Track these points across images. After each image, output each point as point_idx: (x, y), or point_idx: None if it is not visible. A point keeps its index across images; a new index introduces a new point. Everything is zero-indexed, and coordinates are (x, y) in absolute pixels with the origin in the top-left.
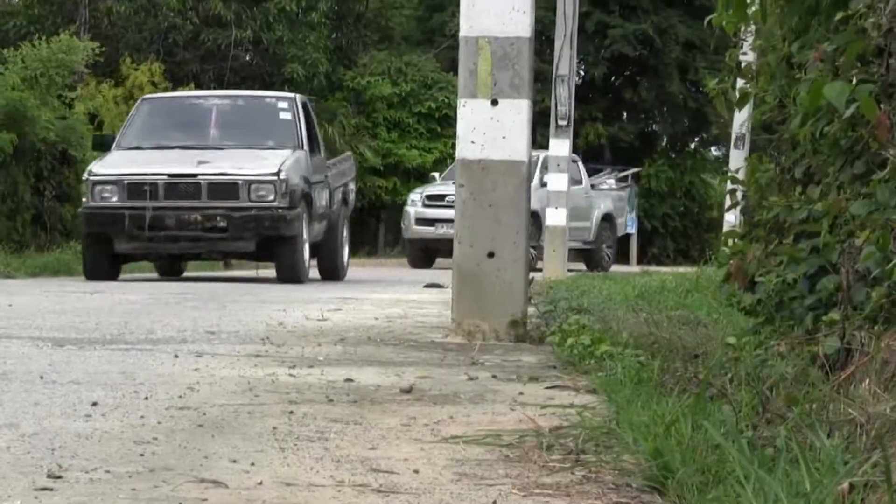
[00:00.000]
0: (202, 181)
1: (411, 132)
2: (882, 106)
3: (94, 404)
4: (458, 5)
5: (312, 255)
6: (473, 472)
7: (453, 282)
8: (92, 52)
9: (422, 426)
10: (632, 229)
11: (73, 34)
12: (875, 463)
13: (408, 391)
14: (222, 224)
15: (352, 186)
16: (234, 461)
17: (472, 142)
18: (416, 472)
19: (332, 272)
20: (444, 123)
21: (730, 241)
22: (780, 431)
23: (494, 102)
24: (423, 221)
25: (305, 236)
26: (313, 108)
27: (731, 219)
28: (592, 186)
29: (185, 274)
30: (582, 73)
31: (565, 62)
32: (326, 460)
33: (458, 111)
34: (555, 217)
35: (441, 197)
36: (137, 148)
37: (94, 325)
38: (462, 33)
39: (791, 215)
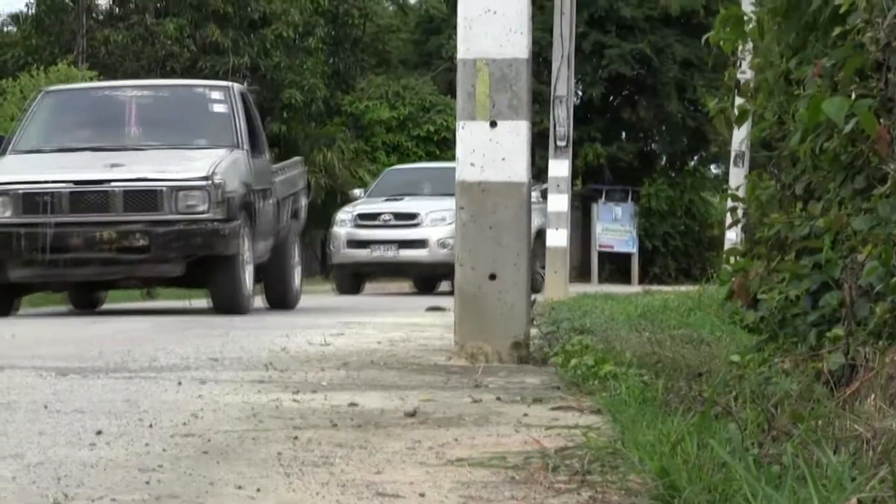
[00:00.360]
0: (116, 189)
1: (410, 155)
2: (881, 120)
3: (99, 433)
4: (454, 28)
5: (256, 279)
6: (479, 494)
7: (455, 305)
8: (90, 81)
9: (427, 449)
10: (633, 249)
11: (71, 64)
12: (883, 479)
13: (412, 414)
14: (142, 242)
15: (304, 201)
16: (240, 487)
17: (472, 164)
18: (421, 495)
19: (280, 299)
20: (442, 146)
21: (731, 259)
22: (786, 448)
23: (493, 124)
24: (354, 243)
25: (247, 256)
26: (255, 101)
27: (732, 237)
28: None
29: (105, 306)
30: (580, 93)
31: (563, 83)
32: (332, 485)
33: (457, 133)
34: (556, 238)
35: (374, 216)
36: (36, 151)
37: (97, 353)
38: (460, 55)
39: (792, 232)
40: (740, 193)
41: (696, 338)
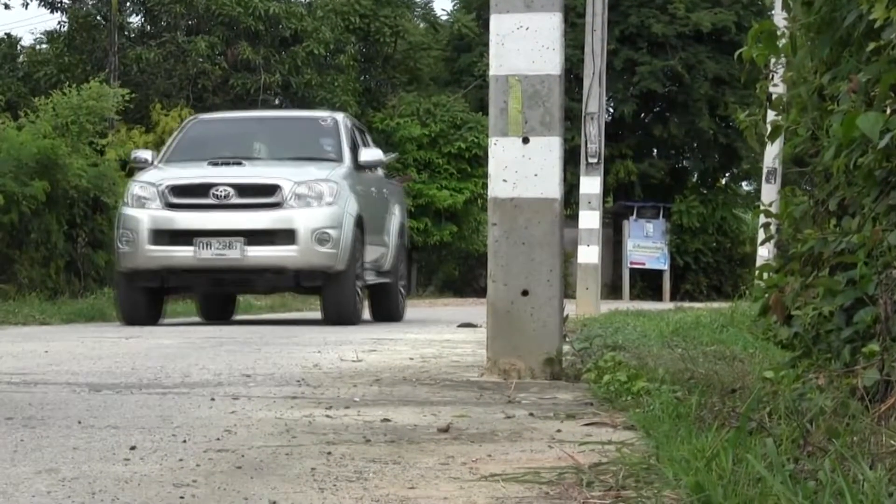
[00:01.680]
0: None
1: (441, 173)
2: None
3: (133, 448)
4: (485, 46)
5: None
6: None
7: (487, 320)
8: (122, 98)
9: (460, 465)
10: (664, 265)
11: (103, 81)
12: None
13: (445, 430)
14: None
15: None
16: (274, 502)
17: (504, 180)
18: None
19: None
20: (474, 163)
21: (765, 275)
22: (822, 464)
23: (525, 140)
24: (167, 236)
25: None
26: None
27: (765, 253)
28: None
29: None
30: (611, 110)
31: (594, 100)
32: (366, 500)
33: (490, 149)
34: (588, 255)
35: (202, 189)
36: None
37: (130, 369)
38: (492, 72)
39: (826, 248)
40: (773, 209)
41: (728, 354)
